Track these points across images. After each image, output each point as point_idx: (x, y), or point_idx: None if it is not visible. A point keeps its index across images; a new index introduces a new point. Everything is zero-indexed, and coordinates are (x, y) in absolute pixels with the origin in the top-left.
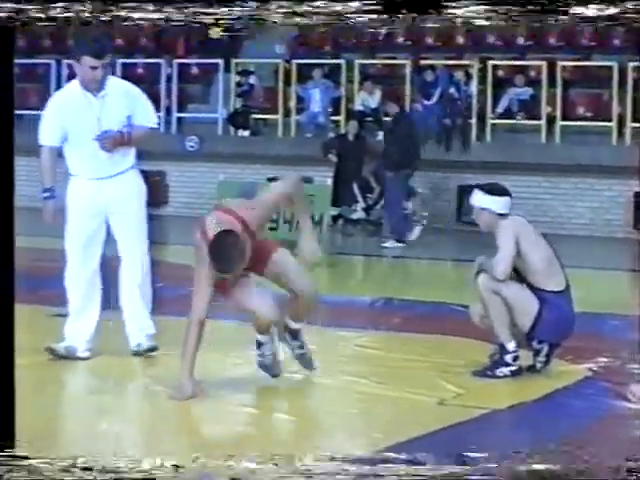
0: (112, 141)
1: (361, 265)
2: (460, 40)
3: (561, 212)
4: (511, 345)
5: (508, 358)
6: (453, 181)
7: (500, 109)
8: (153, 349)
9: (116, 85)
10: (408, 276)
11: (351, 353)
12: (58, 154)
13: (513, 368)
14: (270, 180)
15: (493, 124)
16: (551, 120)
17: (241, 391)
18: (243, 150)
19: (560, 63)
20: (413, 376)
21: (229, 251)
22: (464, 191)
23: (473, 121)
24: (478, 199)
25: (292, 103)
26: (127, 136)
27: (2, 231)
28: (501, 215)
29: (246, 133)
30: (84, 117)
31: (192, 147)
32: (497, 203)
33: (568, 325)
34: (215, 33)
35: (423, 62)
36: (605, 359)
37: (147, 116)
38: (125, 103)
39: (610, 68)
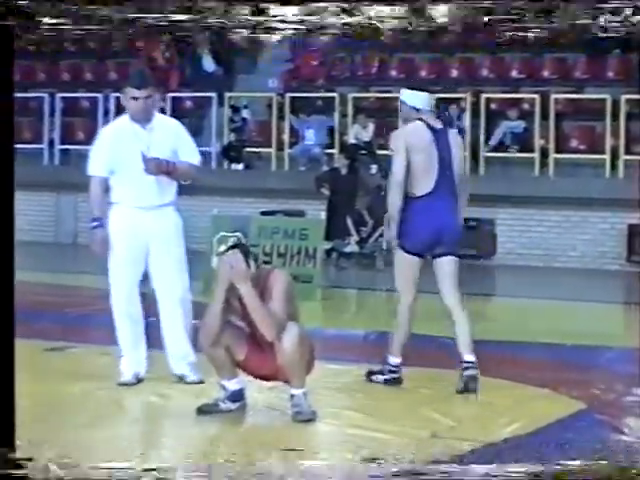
0: (157, 165)
1: (355, 298)
2: (453, 73)
3: (554, 245)
4: (393, 360)
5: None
6: None
7: (493, 142)
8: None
9: (163, 120)
10: None
11: (344, 386)
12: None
13: (387, 377)
14: (263, 214)
15: (486, 157)
16: (544, 153)
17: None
18: (237, 184)
19: (553, 96)
20: (405, 409)
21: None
22: None
23: (466, 154)
24: (402, 94)
25: (285, 137)
26: (172, 165)
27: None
28: (416, 110)
29: (239, 166)
30: (132, 147)
31: (185, 181)
32: (412, 97)
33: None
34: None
35: None
36: (599, 392)
37: (190, 153)
38: (171, 138)
39: (603, 101)
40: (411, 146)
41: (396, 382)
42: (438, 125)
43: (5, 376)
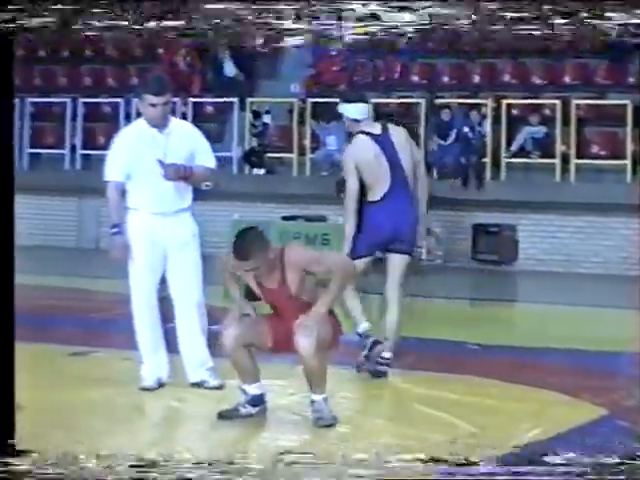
0: (175, 170)
1: (375, 303)
2: (475, 79)
3: (576, 250)
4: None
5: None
6: (467, 220)
7: (514, 148)
8: (220, 387)
9: (179, 124)
10: (423, 314)
11: (365, 391)
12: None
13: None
14: (285, 219)
15: (507, 163)
16: (565, 158)
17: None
18: (258, 189)
19: (574, 101)
20: (426, 414)
21: (249, 244)
22: (478, 230)
23: (487, 160)
24: (340, 107)
25: (307, 142)
26: (189, 170)
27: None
28: (357, 121)
29: (261, 172)
30: (150, 152)
31: (207, 186)
32: (350, 109)
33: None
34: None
35: (438, 101)
36: (621, 397)
37: (207, 157)
38: (188, 142)
39: (624, 106)
40: (360, 165)
41: (376, 343)
42: (378, 131)
43: (6, 380)
